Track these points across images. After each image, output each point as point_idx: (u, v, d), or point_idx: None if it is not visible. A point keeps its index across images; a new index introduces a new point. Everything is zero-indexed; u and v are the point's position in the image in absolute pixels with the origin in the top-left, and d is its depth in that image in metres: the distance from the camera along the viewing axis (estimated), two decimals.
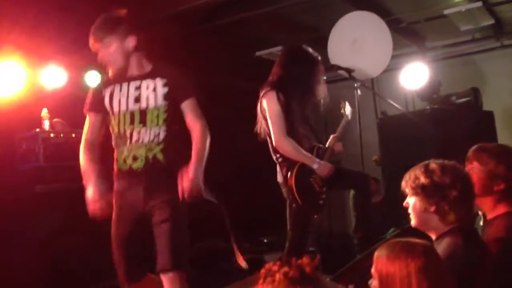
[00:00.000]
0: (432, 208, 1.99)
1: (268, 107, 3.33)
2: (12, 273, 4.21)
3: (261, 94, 3.42)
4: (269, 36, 6.47)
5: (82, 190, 4.81)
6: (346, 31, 4.55)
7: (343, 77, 4.11)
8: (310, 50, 3.53)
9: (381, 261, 1.61)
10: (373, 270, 1.65)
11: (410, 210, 2.10)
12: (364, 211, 3.65)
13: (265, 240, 6.00)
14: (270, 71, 6.56)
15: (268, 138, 3.44)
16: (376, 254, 1.65)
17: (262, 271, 1.45)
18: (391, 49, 4.42)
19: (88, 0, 4.59)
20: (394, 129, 5.41)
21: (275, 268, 1.40)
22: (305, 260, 1.50)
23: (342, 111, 3.72)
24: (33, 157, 4.58)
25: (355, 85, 3.87)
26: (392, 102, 4.06)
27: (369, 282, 1.67)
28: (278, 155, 3.42)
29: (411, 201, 2.08)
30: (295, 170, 3.32)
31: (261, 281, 1.34)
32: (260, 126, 3.48)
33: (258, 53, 6.58)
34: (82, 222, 4.69)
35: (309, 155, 3.38)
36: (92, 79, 5.41)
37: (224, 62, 6.50)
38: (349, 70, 3.82)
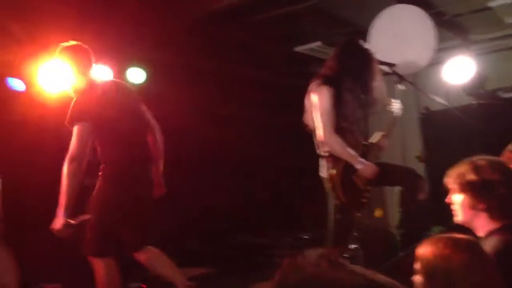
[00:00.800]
0: (481, 206, 1.97)
1: (319, 101, 3.32)
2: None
3: (312, 87, 3.42)
4: (308, 31, 6.46)
5: None
6: (388, 25, 4.49)
7: (384, 72, 4.06)
8: (366, 46, 3.51)
9: (425, 256, 1.61)
10: (416, 265, 1.65)
11: (456, 207, 2.07)
12: (410, 207, 3.61)
13: (306, 237, 6.01)
14: (309, 66, 6.57)
15: (314, 131, 3.44)
16: (420, 249, 1.65)
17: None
18: (434, 43, 4.32)
19: (126, 2, 4.75)
20: (438, 125, 5.30)
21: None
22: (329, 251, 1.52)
23: (388, 108, 3.68)
24: None
25: (395, 79, 3.81)
26: (436, 97, 3.98)
27: (413, 277, 1.67)
28: (324, 150, 3.42)
29: (458, 198, 2.05)
30: (341, 167, 3.31)
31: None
32: (307, 117, 3.49)
33: (297, 49, 6.56)
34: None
35: (354, 153, 3.36)
36: (136, 76, 5.58)
37: (263, 57, 6.53)
38: (390, 65, 3.77)
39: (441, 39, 5.48)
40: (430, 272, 1.59)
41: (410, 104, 6.50)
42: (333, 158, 3.35)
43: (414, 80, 5.81)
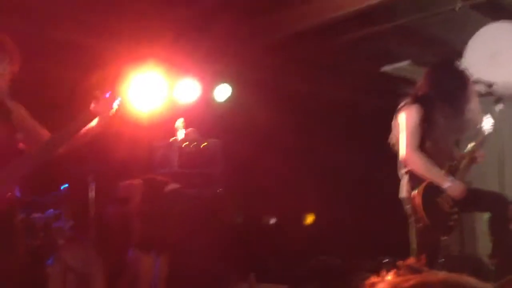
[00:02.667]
0: None
1: (406, 120, 3.23)
2: None
3: (401, 106, 3.34)
4: (396, 51, 6.34)
5: (212, 195, 5.10)
6: (485, 44, 4.28)
7: (480, 93, 3.87)
8: (463, 67, 3.38)
9: None
10: None
11: None
12: (502, 235, 3.38)
13: (386, 260, 5.80)
14: (395, 86, 6.42)
15: (398, 152, 3.34)
16: None
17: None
18: None
19: (219, 19, 4.92)
20: None
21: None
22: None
23: (478, 126, 3.49)
24: (168, 163, 4.94)
25: (494, 100, 3.62)
26: None
27: None
28: (405, 170, 3.31)
29: None
30: (423, 186, 3.17)
31: None
32: (393, 137, 3.39)
33: (383, 69, 6.45)
34: (211, 225, 5.03)
35: (440, 172, 3.22)
36: (223, 92, 5.73)
37: (349, 77, 6.49)
38: (488, 84, 3.59)
39: None
40: None
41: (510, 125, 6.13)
42: (415, 178, 3.21)
43: None
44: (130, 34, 4.86)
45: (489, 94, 3.67)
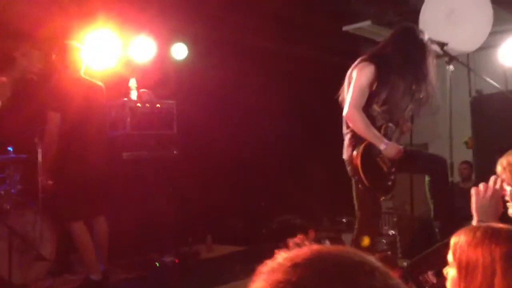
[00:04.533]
0: None
1: (356, 76, 3.17)
2: None
3: (356, 63, 3.26)
4: (357, 10, 6.24)
5: (164, 157, 5.01)
6: (442, 2, 4.22)
7: (436, 53, 3.83)
8: (424, 33, 3.31)
9: (460, 247, 1.46)
10: (450, 257, 1.50)
11: (507, 198, 1.90)
12: (441, 198, 3.41)
13: (344, 220, 5.89)
14: (356, 46, 6.34)
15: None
16: (454, 239, 1.49)
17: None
18: (491, 22, 4.04)
19: None
20: (490, 109, 4.99)
21: None
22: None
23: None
24: (121, 125, 4.79)
25: (446, 60, 3.58)
26: (489, 80, 3.72)
27: (444, 270, 1.53)
28: (347, 130, 3.28)
29: (509, 189, 1.88)
30: (361, 148, 3.15)
31: None
32: (340, 93, 3.34)
33: (345, 28, 6.35)
34: (164, 188, 4.96)
35: (378, 134, 3.18)
36: (179, 51, 5.54)
37: (312, 35, 6.37)
38: (442, 44, 3.54)
39: (500, 20, 5.14)
40: (466, 264, 1.44)
41: (461, 86, 6.21)
42: (355, 140, 3.19)
43: (467, 62, 5.52)
44: None
45: (442, 54, 3.62)
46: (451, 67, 3.53)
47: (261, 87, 6.15)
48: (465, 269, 1.44)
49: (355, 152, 3.15)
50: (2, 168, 4.10)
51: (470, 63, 5.52)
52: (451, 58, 3.52)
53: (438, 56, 3.76)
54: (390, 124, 3.27)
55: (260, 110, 6.02)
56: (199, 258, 5.02)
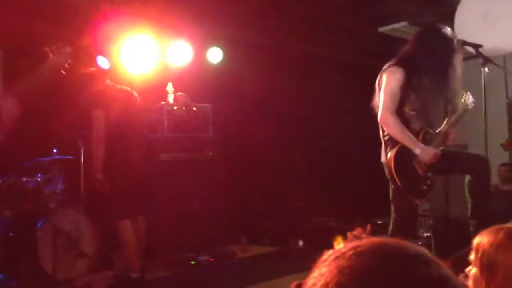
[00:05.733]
0: None
1: (386, 81, 3.19)
2: None
3: (385, 67, 3.28)
4: (393, 11, 6.20)
5: (200, 159, 5.13)
6: (478, 3, 4.16)
7: (471, 55, 3.79)
8: (449, 31, 3.30)
9: (482, 247, 1.48)
10: (472, 257, 1.52)
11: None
12: (481, 197, 3.37)
13: (379, 222, 5.86)
14: (393, 47, 6.29)
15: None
16: (477, 240, 1.52)
17: None
18: None
19: None
20: None
21: None
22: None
23: (462, 99, 3.42)
24: (159, 128, 4.95)
25: (481, 62, 3.54)
26: None
27: (467, 270, 1.56)
28: (384, 133, 3.29)
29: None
30: (395, 150, 3.15)
31: None
32: (374, 100, 3.36)
33: (381, 29, 6.32)
34: (200, 189, 5.08)
35: (413, 137, 3.18)
36: (215, 55, 5.66)
37: (346, 38, 6.38)
38: (476, 46, 3.50)
39: None
40: (487, 264, 1.47)
41: (498, 88, 6.08)
42: (391, 143, 3.19)
43: (504, 64, 5.40)
44: None
45: (476, 56, 3.58)
46: (486, 69, 3.48)
47: (296, 91, 6.21)
48: (486, 269, 1.46)
49: (389, 154, 3.17)
50: (47, 168, 4.31)
51: (507, 65, 5.40)
52: (486, 60, 3.47)
53: (473, 57, 3.72)
54: (430, 130, 3.26)
55: (294, 114, 6.07)
56: (234, 258, 5.11)
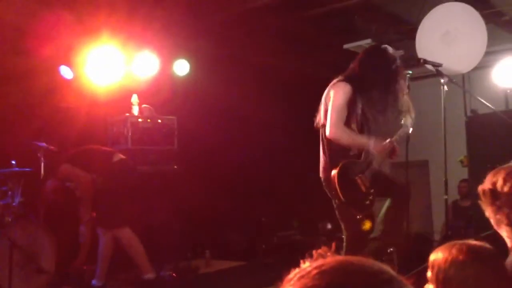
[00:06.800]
0: (506, 219, 1.81)
1: (334, 97, 3.26)
2: None
3: (332, 83, 3.35)
4: (359, 28, 6.31)
5: (165, 172, 5.07)
6: (438, 23, 4.28)
7: (431, 73, 3.89)
8: (391, 51, 3.43)
9: (438, 264, 1.51)
10: (429, 273, 1.55)
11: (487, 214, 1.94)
12: (392, 226, 3.51)
13: (344, 237, 5.91)
14: None
15: (321, 129, 3.37)
16: (432, 257, 1.55)
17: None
18: (485, 44, 4.10)
19: None
20: (485, 129, 5.05)
21: None
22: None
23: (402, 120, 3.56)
24: (123, 140, 4.87)
25: (442, 81, 3.64)
26: (482, 100, 3.76)
27: (425, 287, 1.58)
28: (327, 148, 3.35)
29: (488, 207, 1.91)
30: (339, 167, 3.22)
31: None
32: (318, 114, 3.42)
33: (345, 46, 6.43)
34: (164, 202, 5.01)
35: (364, 138, 3.28)
36: (182, 67, 5.63)
37: (313, 51, 6.46)
38: (436, 64, 3.60)
39: (498, 40, 5.20)
40: (442, 280, 1.49)
41: (457, 107, 6.27)
42: (334, 159, 3.28)
43: (462, 82, 5.58)
44: (84, 5, 4.71)
45: (436, 74, 3.69)
46: (445, 87, 3.58)
47: (262, 102, 6.21)
48: (442, 285, 1.49)
49: (333, 171, 3.23)
50: (4, 181, 4.17)
51: (465, 82, 5.59)
52: (445, 79, 3.57)
53: (434, 76, 3.83)
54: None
55: (260, 125, 6.08)
56: (197, 273, 5.05)
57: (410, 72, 3.79)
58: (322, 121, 3.33)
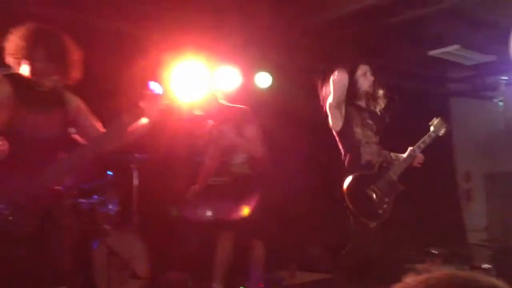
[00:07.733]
0: None
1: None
2: None
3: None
4: (444, 34, 6.11)
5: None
6: None
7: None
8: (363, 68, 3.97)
9: None
10: None
11: None
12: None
13: (435, 252, 5.66)
14: (443, 70, 6.20)
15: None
16: None
17: None
18: None
19: (258, 5, 4.88)
20: None
21: None
22: None
23: (431, 126, 3.71)
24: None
25: None
26: None
27: None
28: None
29: None
30: (350, 178, 3.41)
31: None
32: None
33: (431, 53, 6.23)
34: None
35: None
36: (264, 80, 5.70)
37: (397, 61, 6.32)
38: None
39: None
40: None
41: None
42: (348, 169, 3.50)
43: None
44: (169, 22, 4.92)
45: None
46: None
47: None
48: None
49: (344, 185, 3.42)
50: (103, 191, 4.41)
51: None
52: None
53: None
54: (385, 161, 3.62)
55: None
56: (281, 284, 5.03)
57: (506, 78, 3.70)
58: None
